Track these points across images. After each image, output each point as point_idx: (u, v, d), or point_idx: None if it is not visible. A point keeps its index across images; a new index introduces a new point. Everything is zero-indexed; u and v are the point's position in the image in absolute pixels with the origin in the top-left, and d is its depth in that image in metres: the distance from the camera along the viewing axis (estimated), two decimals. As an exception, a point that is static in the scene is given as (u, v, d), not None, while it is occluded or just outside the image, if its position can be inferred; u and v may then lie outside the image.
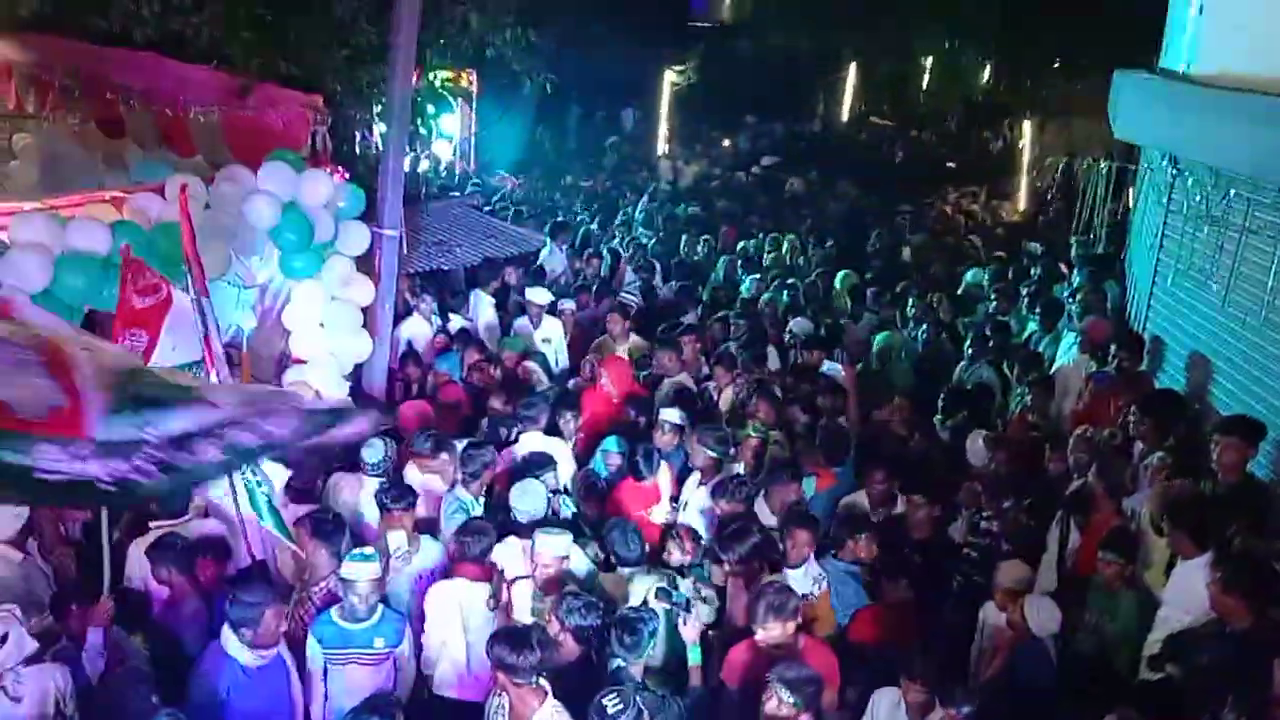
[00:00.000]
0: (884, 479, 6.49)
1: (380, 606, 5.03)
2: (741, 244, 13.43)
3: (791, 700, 4.21)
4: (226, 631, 4.69)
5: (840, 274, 11.84)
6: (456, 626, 5.24)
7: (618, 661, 4.63)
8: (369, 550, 5.08)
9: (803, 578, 5.47)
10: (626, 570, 5.51)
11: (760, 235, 13.93)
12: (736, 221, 14.99)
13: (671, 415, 6.95)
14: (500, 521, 5.81)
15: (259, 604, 4.66)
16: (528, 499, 5.82)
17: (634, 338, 8.88)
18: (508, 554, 5.49)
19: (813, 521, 5.77)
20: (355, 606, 4.93)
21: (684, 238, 13.75)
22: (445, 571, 5.55)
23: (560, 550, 5.23)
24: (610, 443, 6.88)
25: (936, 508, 6.36)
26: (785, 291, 10.97)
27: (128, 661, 4.78)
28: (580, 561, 5.57)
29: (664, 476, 6.62)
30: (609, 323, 8.92)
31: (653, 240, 13.61)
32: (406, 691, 5.17)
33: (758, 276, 11.70)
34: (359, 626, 4.96)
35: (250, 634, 4.64)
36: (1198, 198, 7.94)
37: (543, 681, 4.32)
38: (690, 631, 4.88)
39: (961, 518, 6.58)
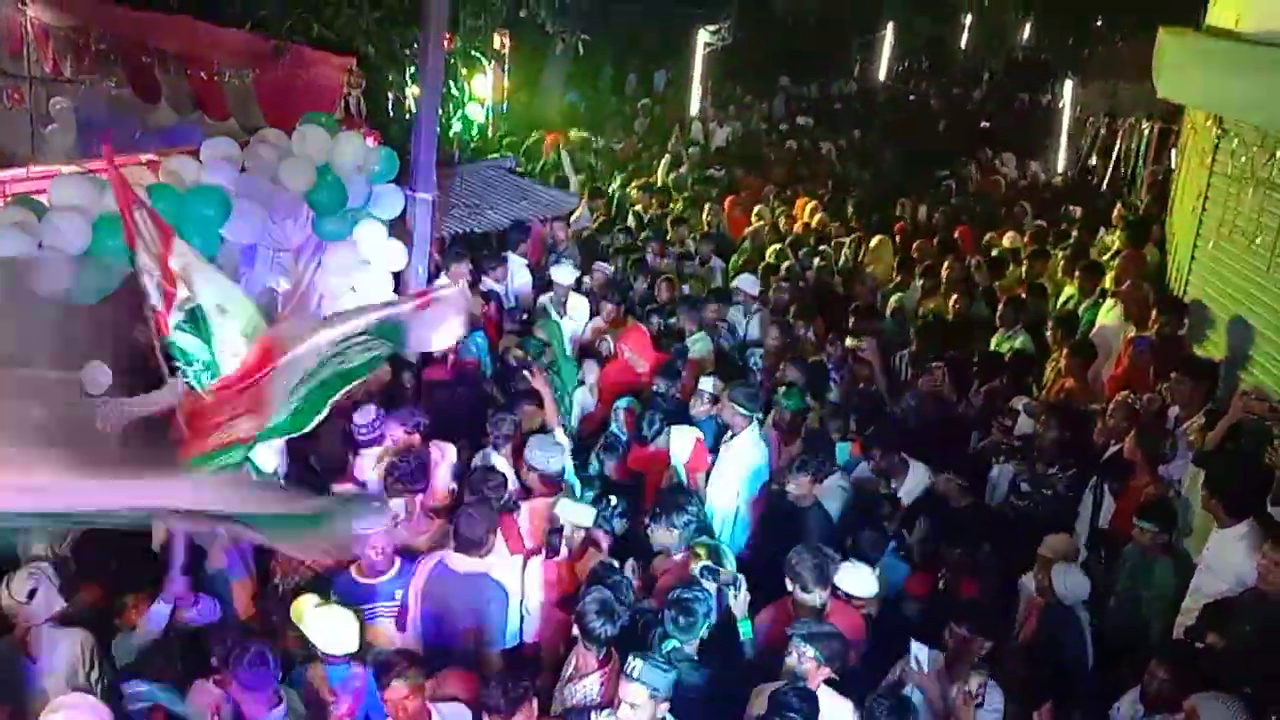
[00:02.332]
0: (882, 454, 6.42)
1: (398, 559, 5.06)
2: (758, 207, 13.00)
3: (812, 654, 4.25)
4: None
5: (874, 240, 11.67)
6: None
7: (673, 643, 4.52)
8: (376, 504, 5.18)
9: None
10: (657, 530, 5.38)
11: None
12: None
13: (707, 385, 6.88)
14: None
15: None
16: (540, 454, 5.78)
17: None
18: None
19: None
20: (374, 561, 4.97)
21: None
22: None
23: (577, 519, 5.23)
24: (623, 401, 6.87)
25: (961, 480, 6.23)
26: (816, 259, 10.84)
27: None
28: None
29: (679, 441, 6.50)
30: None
31: (681, 204, 13.44)
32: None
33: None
34: (379, 580, 5.01)
35: None
36: (1243, 159, 7.77)
37: (613, 652, 4.30)
38: (741, 607, 4.85)
39: (998, 469, 6.56)
